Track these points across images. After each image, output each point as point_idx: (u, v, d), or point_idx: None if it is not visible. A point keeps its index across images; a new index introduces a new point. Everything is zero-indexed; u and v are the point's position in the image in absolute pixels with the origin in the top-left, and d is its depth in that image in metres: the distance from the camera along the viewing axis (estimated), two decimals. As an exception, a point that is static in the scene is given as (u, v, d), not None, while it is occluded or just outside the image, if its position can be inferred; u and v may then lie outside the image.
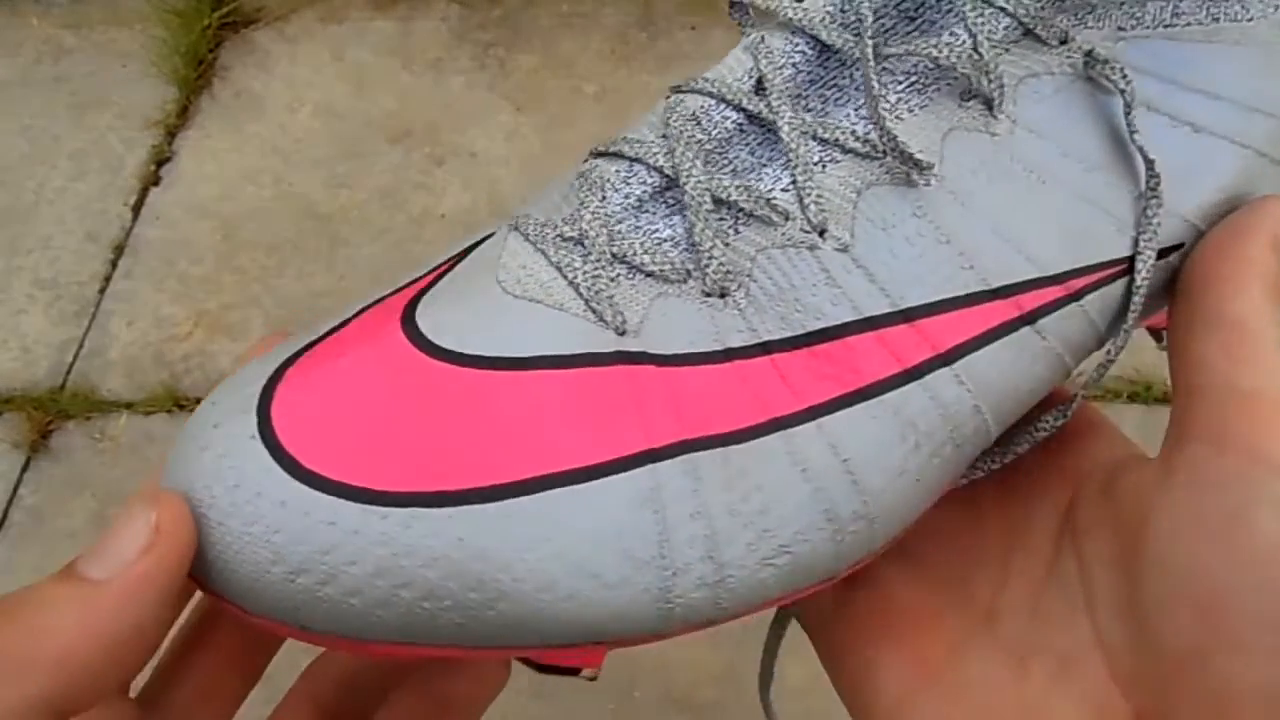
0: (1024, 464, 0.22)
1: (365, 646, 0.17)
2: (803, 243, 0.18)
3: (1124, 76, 0.18)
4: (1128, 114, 0.18)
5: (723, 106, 0.19)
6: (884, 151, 0.18)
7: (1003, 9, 0.18)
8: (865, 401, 0.17)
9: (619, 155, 0.19)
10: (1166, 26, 0.19)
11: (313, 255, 0.71)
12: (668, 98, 0.19)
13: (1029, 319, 0.18)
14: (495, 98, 0.78)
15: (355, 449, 0.16)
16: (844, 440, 0.17)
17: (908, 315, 0.18)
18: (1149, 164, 0.18)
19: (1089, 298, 0.19)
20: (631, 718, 0.48)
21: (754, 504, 0.17)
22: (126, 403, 0.65)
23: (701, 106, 0.19)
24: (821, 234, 0.18)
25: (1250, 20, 0.19)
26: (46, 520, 0.61)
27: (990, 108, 0.18)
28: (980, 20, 0.18)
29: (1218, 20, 0.19)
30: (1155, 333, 0.23)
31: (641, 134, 0.19)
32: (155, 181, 0.76)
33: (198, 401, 0.69)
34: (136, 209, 0.74)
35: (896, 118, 0.18)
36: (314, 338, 0.18)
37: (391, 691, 0.22)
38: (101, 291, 0.70)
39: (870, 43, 0.17)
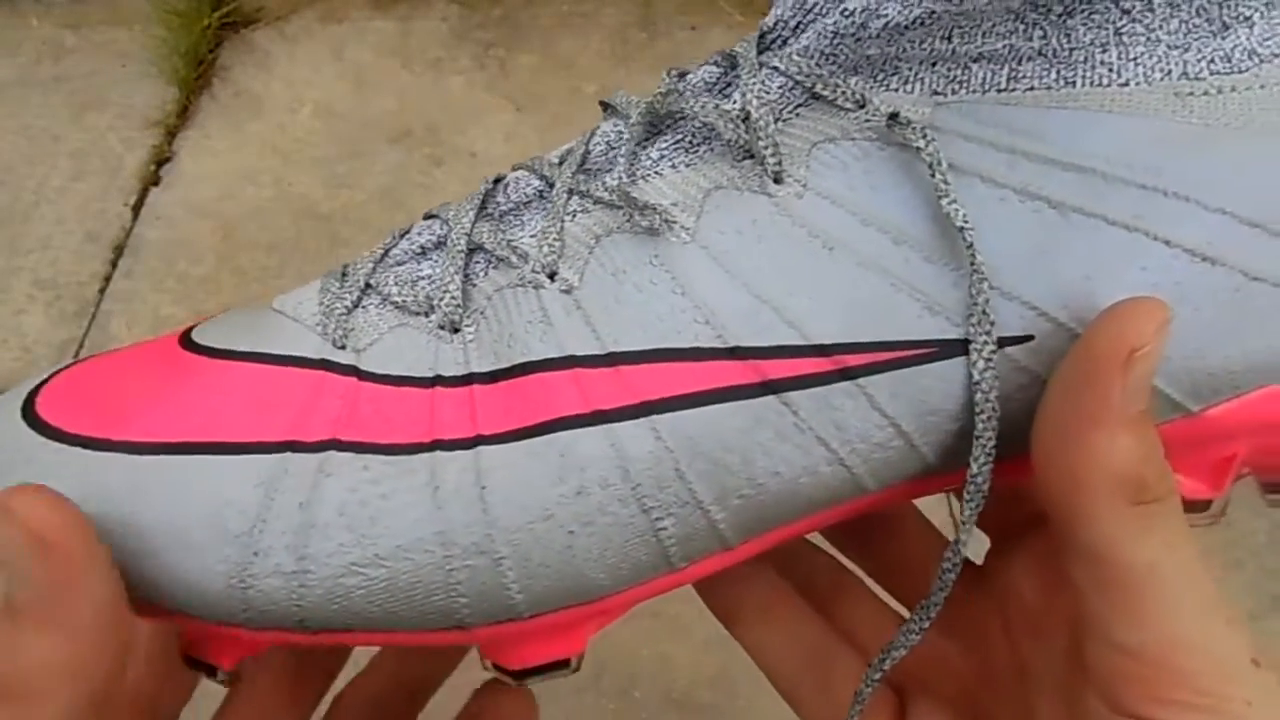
0: (1020, 597, 0.20)
1: None
2: (531, 282, 0.18)
3: (925, 138, 0.17)
4: (934, 178, 0.17)
5: (530, 175, 0.20)
6: (623, 203, 0.18)
7: (776, 69, 0.18)
8: (532, 438, 0.17)
9: (433, 215, 0.20)
10: (1001, 90, 0.17)
11: (313, 255, 0.71)
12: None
13: (772, 388, 0.17)
14: (495, 98, 0.78)
15: (84, 406, 0.18)
16: (492, 471, 0.17)
17: (612, 359, 0.17)
18: (964, 236, 0.17)
19: (871, 379, 0.17)
20: (631, 718, 0.48)
21: (369, 509, 0.17)
22: (126, 403, 0.65)
23: (516, 176, 0.20)
24: (551, 276, 0.18)
25: (1126, 85, 0.17)
26: (46, 520, 0.61)
27: (764, 167, 0.18)
28: (753, 82, 0.18)
29: (1073, 85, 0.17)
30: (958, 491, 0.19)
31: (461, 200, 0.20)
32: (155, 181, 0.76)
33: (197, 401, 0.69)
34: (136, 209, 0.74)
35: (657, 173, 0.18)
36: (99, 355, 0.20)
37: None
38: (101, 291, 0.70)
39: (644, 104, 0.18)
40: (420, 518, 0.17)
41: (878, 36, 0.17)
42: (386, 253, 0.20)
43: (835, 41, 0.18)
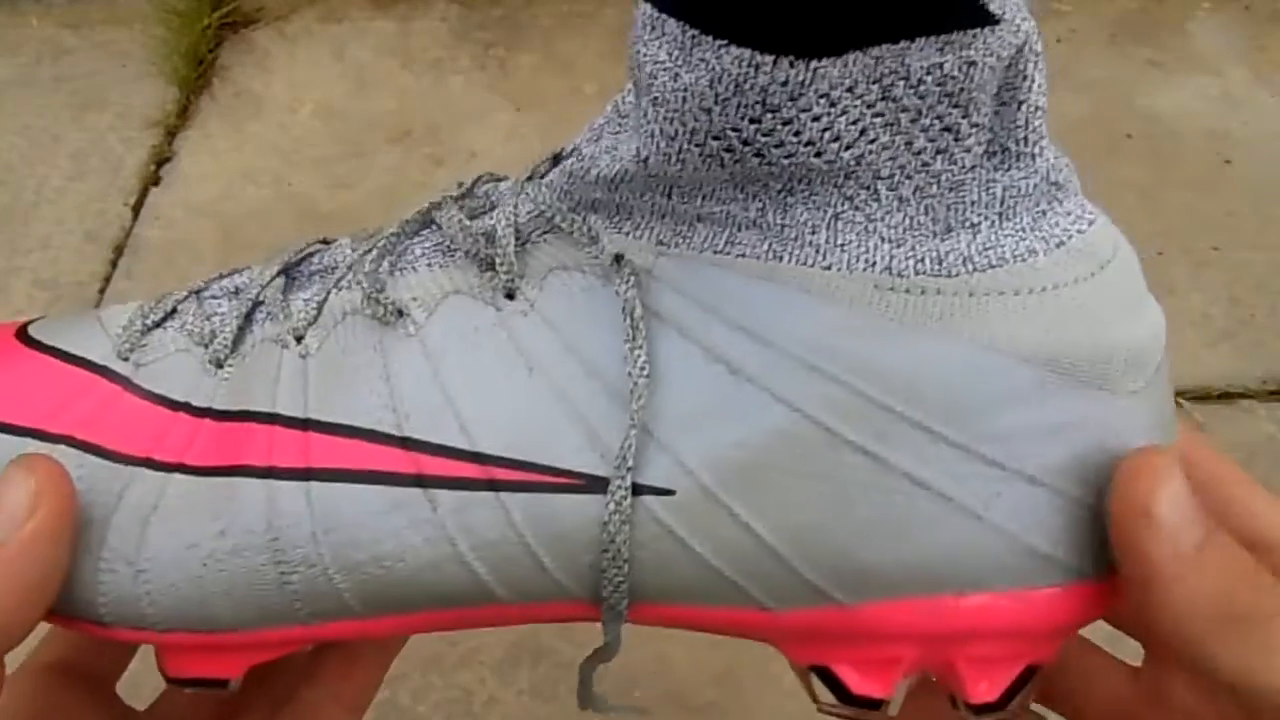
0: (1179, 700, 0.19)
1: None
2: (282, 341, 0.20)
3: (627, 283, 0.17)
4: (624, 321, 0.17)
5: (346, 244, 0.22)
6: (369, 289, 0.19)
7: (528, 195, 0.19)
8: (215, 477, 0.19)
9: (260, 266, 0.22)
10: (717, 253, 0.17)
11: (313, 255, 0.71)
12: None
13: (422, 481, 0.18)
14: (495, 98, 0.78)
15: None
16: (169, 497, 0.19)
17: (307, 425, 0.19)
18: (632, 379, 0.17)
19: (512, 495, 0.18)
20: (631, 718, 0.48)
21: None
22: (126, 403, 0.65)
23: (337, 244, 0.22)
24: (298, 339, 0.20)
25: (829, 269, 0.17)
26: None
27: (499, 282, 0.19)
28: (509, 203, 0.19)
29: (781, 260, 0.17)
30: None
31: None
32: (155, 181, 0.76)
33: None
34: (136, 209, 0.74)
35: (413, 268, 0.20)
36: None
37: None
38: (101, 291, 0.70)
39: (406, 217, 0.20)
40: (96, 518, 0.19)
41: (597, 183, 0.18)
42: (206, 286, 0.22)
43: (571, 180, 0.19)
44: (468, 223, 0.19)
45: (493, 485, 0.18)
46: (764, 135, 0.16)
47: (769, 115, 0.15)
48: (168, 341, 0.21)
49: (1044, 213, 0.17)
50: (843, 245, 0.17)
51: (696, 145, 0.16)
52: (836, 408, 0.17)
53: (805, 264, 0.17)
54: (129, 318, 0.21)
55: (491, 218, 0.19)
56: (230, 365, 0.20)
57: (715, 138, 0.16)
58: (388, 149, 0.76)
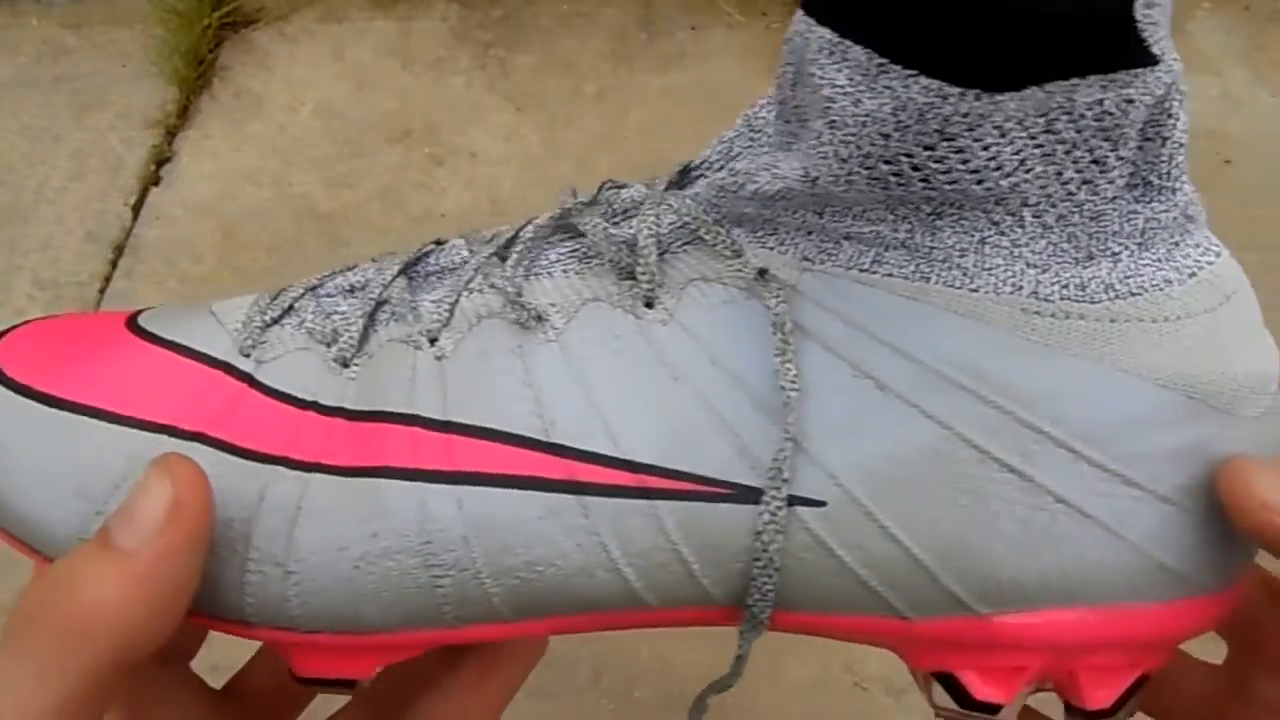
0: (1264, 696, 0.20)
1: None
2: (414, 343, 0.20)
3: (777, 298, 0.18)
4: (774, 336, 0.18)
5: (463, 247, 0.22)
6: (509, 294, 0.20)
7: (670, 206, 0.19)
8: (358, 478, 0.19)
9: (375, 260, 0.22)
10: (863, 271, 0.18)
11: (313, 255, 0.71)
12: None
13: (575, 488, 0.18)
14: (495, 98, 0.78)
15: (38, 367, 0.20)
16: (313, 497, 0.19)
17: (448, 427, 0.19)
18: (786, 395, 0.17)
19: (665, 504, 0.18)
20: (631, 718, 0.48)
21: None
22: (126, 403, 0.65)
23: (451, 244, 0.22)
24: (432, 341, 0.20)
25: (977, 292, 0.18)
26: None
27: (639, 291, 0.19)
28: (650, 213, 0.19)
29: (928, 280, 0.18)
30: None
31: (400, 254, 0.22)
32: (155, 181, 0.76)
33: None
34: (136, 209, 0.74)
35: (549, 274, 0.20)
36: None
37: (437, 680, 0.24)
38: (101, 291, 0.70)
39: (558, 210, 0.20)
40: (236, 518, 0.19)
41: (752, 198, 0.18)
42: (320, 284, 0.22)
43: (720, 194, 0.19)
44: (612, 231, 0.19)
45: (645, 493, 0.18)
46: (935, 162, 0.16)
47: (944, 143, 0.16)
48: (286, 339, 0.21)
49: (1177, 244, 0.18)
50: (990, 269, 0.18)
51: (867, 169, 0.17)
52: (985, 426, 0.18)
53: (953, 286, 0.18)
54: (246, 314, 0.21)
55: (631, 226, 0.20)
56: (356, 364, 0.20)
57: (887, 162, 0.16)
58: (388, 149, 0.76)
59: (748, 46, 0.88)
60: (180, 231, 0.73)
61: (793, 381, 0.17)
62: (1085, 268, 0.18)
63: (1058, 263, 0.18)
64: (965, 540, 0.18)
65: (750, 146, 0.19)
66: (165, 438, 0.19)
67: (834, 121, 0.16)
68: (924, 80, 0.15)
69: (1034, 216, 0.17)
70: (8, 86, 0.82)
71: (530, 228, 0.21)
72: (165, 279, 0.70)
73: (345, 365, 0.20)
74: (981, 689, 0.19)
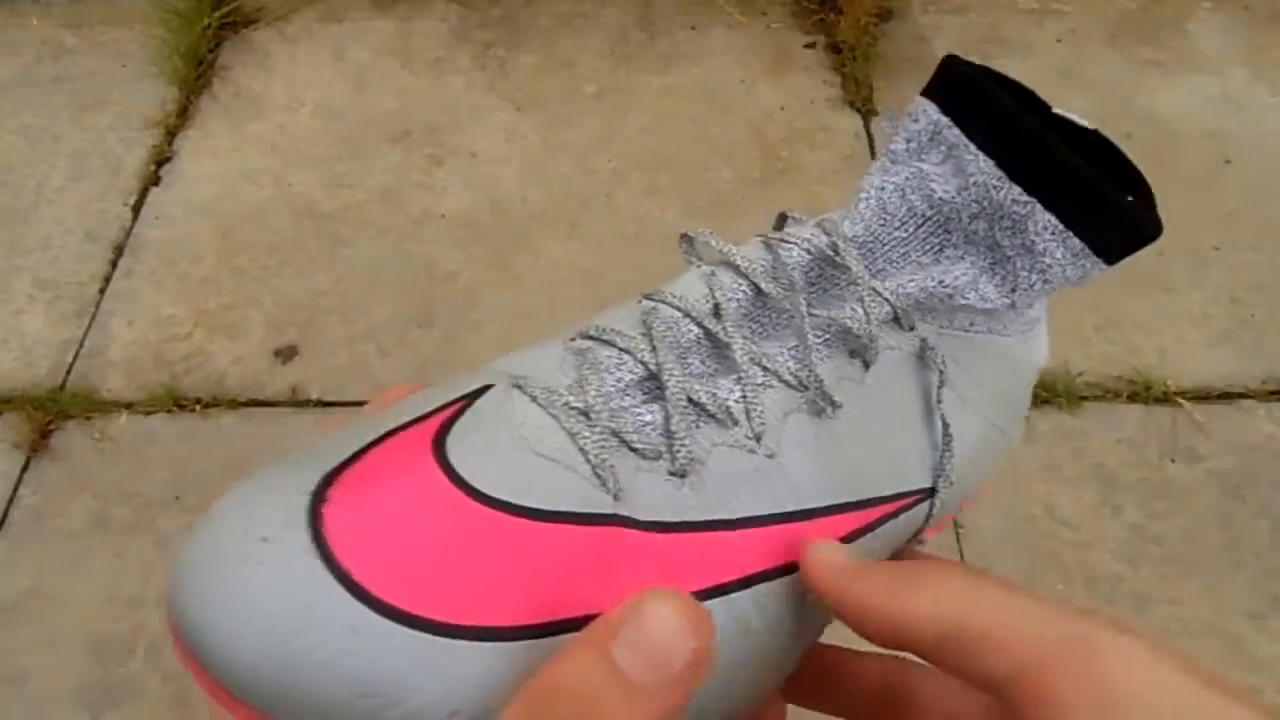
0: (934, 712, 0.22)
1: None
2: (744, 446, 0.21)
3: (943, 361, 0.24)
4: (939, 388, 0.24)
5: (689, 320, 0.22)
6: (807, 386, 0.22)
7: (885, 299, 0.24)
8: (777, 579, 0.21)
9: (610, 344, 0.22)
10: (965, 331, 0.25)
11: (313, 255, 0.71)
12: (640, 301, 0.23)
13: (885, 519, 0.23)
14: (495, 98, 0.78)
15: (415, 580, 0.17)
16: (760, 608, 0.20)
17: (810, 514, 0.21)
18: (945, 427, 0.24)
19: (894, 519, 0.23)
20: (631, 718, 0.48)
21: None
22: (126, 403, 0.65)
23: (673, 317, 0.22)
24: (758, 440, 0.21)
25: (1009, 337, 0.25)
26: (46, 520, 0.61)
27: (866, 366, 0.24)
28: (872, 303, 0.23)
29: (991, 332, 0.25)
30: None
31: (624, 327, 0.22)
32: (155, 181, 0.76)
33: (197, 401, 0.69)
34: (136, 209, 0.74)
35: (820, 360, 0.23)
36: (346, 453, 0.18)
37: None
38: (101, 291, 0.70)
39: (803, 300, 0.22)
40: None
41: (955, 304, 0.24)
42: (584, 381, 0.21)
43: (929, 296, 0.24)
44: (866, 325, 0.24)
45: (892, 514, 0.23)
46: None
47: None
48: (620, 464, 0.20)
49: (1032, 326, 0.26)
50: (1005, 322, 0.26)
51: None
52: (1002, 415, 0.26)
53: (1001, 334, 0.25)
54: (591, 452, 0.20)
55: (849, 309, 0.24)
56: (692, 474, 0.21)
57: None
58: (388, 149, 0.76)
59: (748, 46, 0.88)
60: (180, 231, 0.73)
61: (945, 424, 0.24)
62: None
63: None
64: None
65: (922, 254, 0.25)
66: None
67: (1048, 280, 0.23)
68: (1101, 262, 0.22)
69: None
70: (8, 86, 0.82)
71: (740, 290, 0.24)
72: (165, 279, 0.70)
73: (683, 476, 0.21)
74: None
